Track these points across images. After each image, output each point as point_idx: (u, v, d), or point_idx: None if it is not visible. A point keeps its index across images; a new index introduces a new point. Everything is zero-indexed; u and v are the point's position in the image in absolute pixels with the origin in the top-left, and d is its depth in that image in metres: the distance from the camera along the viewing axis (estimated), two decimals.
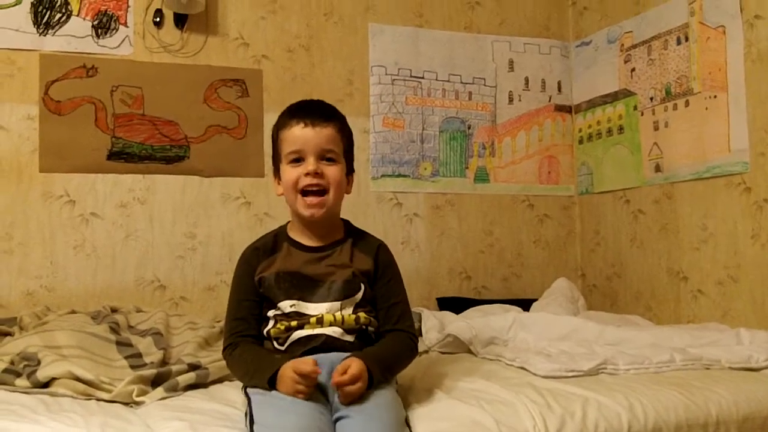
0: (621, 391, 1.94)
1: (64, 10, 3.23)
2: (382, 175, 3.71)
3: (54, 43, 3.21)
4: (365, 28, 3.73)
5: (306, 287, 1.84)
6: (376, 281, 1.91)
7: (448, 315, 3.11)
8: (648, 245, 3.54)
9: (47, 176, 3.18)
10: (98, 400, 1.93)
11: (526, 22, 4.05)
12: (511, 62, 4.00)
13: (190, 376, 2.06)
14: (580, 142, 4.03)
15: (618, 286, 3.75)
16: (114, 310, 2.79)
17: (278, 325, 1.82)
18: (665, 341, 2.49)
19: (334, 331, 1.80)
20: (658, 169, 3.46)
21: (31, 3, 3.17)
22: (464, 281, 3.84)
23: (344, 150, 1.90)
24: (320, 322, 1.81)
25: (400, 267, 2.00)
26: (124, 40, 3.31)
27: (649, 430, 1.84)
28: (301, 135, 1.83)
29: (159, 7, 3.34)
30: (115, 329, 2.45)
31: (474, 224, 3.88)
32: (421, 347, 2.71)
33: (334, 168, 1.85)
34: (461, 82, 3.89)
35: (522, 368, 2.20)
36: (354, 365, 1.66)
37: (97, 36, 3.27)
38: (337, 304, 1.83)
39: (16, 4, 3.15)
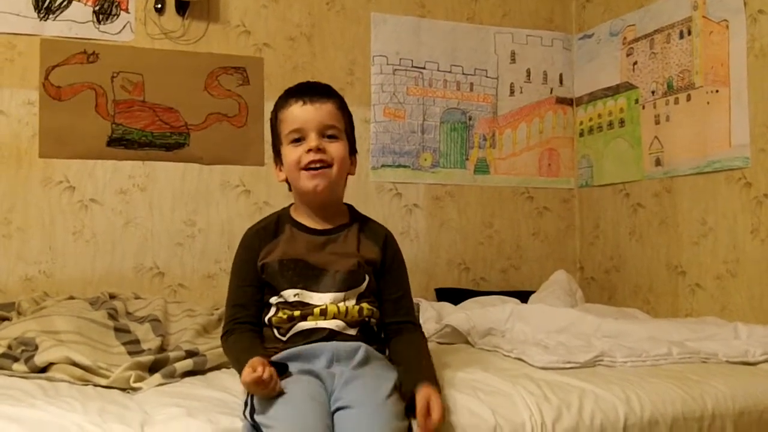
0: (618, 384, 1.94)
1: None
2: (382, 166, 3.71)
3: (55, 28, 3.20)
4: (367, 18, 3.72)
5: (310, 276, 1.81)
6: (383, 271, 1.89)
7: (446, 306, 3.11)
8: (647, 239, 3.54)
9: (47, 162, 3.18)
10: (95, 385, 1.92)
11: (529, 14, 4.04)
12: (513, 54, 3.99)
13: (187, 363, 2.06)
14: (581, 135, 4.03)
15: (616, 280, 3.75)
16: (112, 297, 2.79)
17: (280, 314, 1.79)
18: (663, 334, 2.49)
19: (337, 325, 1.77)
20: (658, 163, 3.46)
21: None
22: (463, 272, 3.84)
23: (346, 127, 1.87)
24: (324, 313, 1.78)
25: None
26: (125, 26, 3.30)
27: (645, 423, 1.84)
28: (300, 113, 1.80)
29: None
30: (113, 315, 2.45)
31: (473, 216, 3.88)
32: None
33: (336, 144, 1.82)
34: (463, 73, 3.88)
35: (519, 359, 2.20)
36: (433, 403, 1.62)
37: (99, 22, 3.26)
38: (341, 294, 1.80)
39: None
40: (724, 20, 3.11)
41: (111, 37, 3.28)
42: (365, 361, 1.74)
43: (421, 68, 3.80)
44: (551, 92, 4.06)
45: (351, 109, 1.95)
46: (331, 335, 1.77)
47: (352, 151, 1.91)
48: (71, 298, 2.74)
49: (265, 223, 1.90)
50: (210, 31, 3.44)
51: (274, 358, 1.70)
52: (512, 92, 3.98)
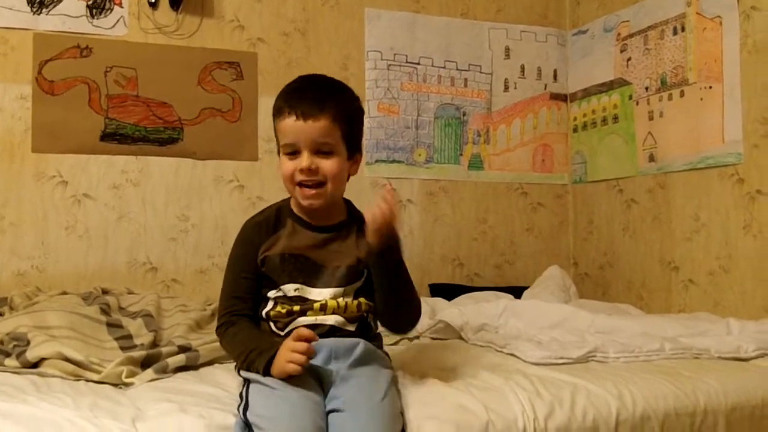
0: (610, 379, 1.95)
1: None
2: (377, 161, 3.71)
3: (48, 22, 3.19)
4: (361, 13, 3.71)
5: (310, 271, 1.80)
6: None
7: (439, 301, 3.11)
8: (640, 235, 3.55)
9: (40, 156, 3.17)
10: (87, 381, 1.93)
11: (523, 9, 4.04)
12: (507, 50, 3.99)
13: (180, 358, 2.06)
14: (575, 130, 4.03)
15: (610, 275, 3.76)
16: (105, 292, 2.79)
17: (278, 308, 1.79)
18: (656, 330, 2.50)
19: (337, 321, 1.77)
20: (652, 158, 3.47)
21: None
22: (457, 268, 3.84)
23: (344, 135, 1.80)
24: (323, 308, 1.77)
25: None
26: (118, 20, 3.29)
27: (637, 418, 1.84)
28: (293, 128, 1.76)
29: None
30: (105, 311, 2.45)
31: (467, 211, 3.88)
32: (411, 333, 2.73)
33: (330, 161, 1.77)
34: (457, 69, 3.88)
35: (512, 355, 2.21)
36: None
37: (92, 16, 3.25)
38: (341, 290, 1.79)
39: None
40: (718, 17, 3.11)
41: (104, 31, 3.27)
42: (363, 359, 1.73)
43: (416, 64, 3.80)
44: (545, 88, 4.06)
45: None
46: (331, 331, 1.77)
47: (354, 152, 1.87)
48: (64, 293, 2.73)
49: (265, 216, 1.88)
50: (204, 25, 3.43)
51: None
52: (506, 88, 3.98)
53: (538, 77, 4.05)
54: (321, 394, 1.66)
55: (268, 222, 1.86)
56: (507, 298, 2.96)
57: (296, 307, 1.78)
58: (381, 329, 1.91)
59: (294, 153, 1.78)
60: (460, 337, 2.59)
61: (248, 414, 1.58)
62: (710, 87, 3.14)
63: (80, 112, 3.21)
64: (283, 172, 1.81)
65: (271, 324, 1.80)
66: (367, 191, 3.65)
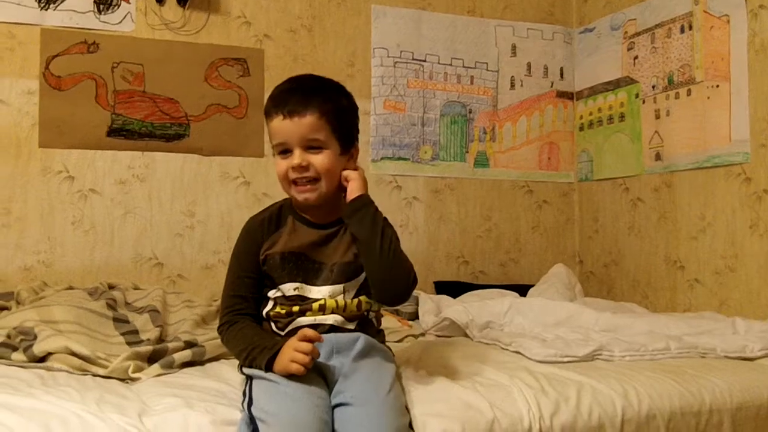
0: (616, 378, 1.95)
1: None
2: (382, 158, 3.71)
3: (55, 17, 3.19)
4: (368, 10, 3.71)
5: (310, 270, 1.80)
6: None
7: (445, 299, 3.11)
8: (646, 233, 3.54)
9: (46, 151, 3.17)
10: (94, 375, 1.93)
11: (530, 7, 4.03)
12: (513, 47, 3.99)
13: (186, 354, 2.06)
14: (581, 129, 4.03)
15: (615, 274, 3.76)
16: (111, 287, 2.79)
17: (278, 308, 1.79)
18: (661, 329, 2.49)
19: (336, 320, 1.78)
20: (658, 157, 3.46)
21: None
22: (462, 266, 3.84)
23: (334, 130, 1.80)
24: (322, 309, 1.78)
25: None
26: (125, 16, 3.29)
27: (642, 417, 1.84)
28: (281, 128, 1.77)
29: None
30: (112, 306, 2.45)
31: (473, 209, 3.88)
32: (417, 330, 2.73)
33: (320, 156, 1.77)
34: (463, 66, 3.88)
35: (517, 353, 2.21)
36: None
37: (99, 12, 3.25)
38: (340, 287, 1.79)
39: None
40: (725, 15, 3.10)
41: (111, 27, 3.27)
42: (365, 352, 1.74)
43: (422, 61, 3.80)
44: (552, 86, 4.05)
45: None
46: (331, 330, 1.77)
47: (348, 146, 1.86)
48: (70, 287, 2.74)
49: (267, 214, 1.88)
50: (210, 21, 3.43)
51: None
52: (512, 86, 3.98)
53: (545, 75, 4.04)
54: (325, 389, 1.66)
55: (271, 219, 1.87)
56: (512, 296, 2.96)
57: (295, 308, 1.78)
58: (384, 324, 1.91)
59: (286, 152, 1.79)
60: (466, 335, 2.59)
61: (253, 409, 1.58)
62: (717, 86, 3.14)
63: (87, 108, 3.21)
64: (278, 172, 1.82)
65: (272, 324, 1.81)
66: (372, 189, 3.61)
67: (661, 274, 3.45)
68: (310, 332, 1.64)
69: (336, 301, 1.78)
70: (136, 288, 2.86)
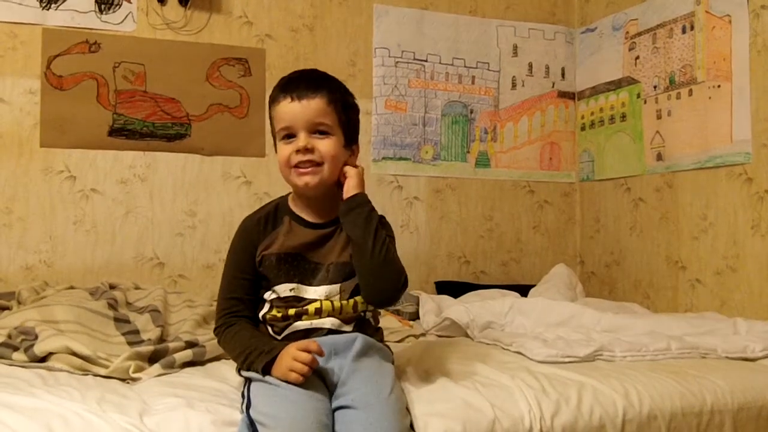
0: (617, 378, 1.94)
1: None
2: (384, 158, 3.71)
3: (57, 17, 3.19)
4: (370, 9, 3.71)
5: (306, 270, 1.78)
6: None
7: (445, 299, 3.11)
8: (648, 234, 3.54)
9: (48, 151, 3.17)
10: (95, 375, 1.93)
11: (532, 7, 4.03)
12: (515, 47, 3.99)
13: (187, 354, 2.06)
14: (583, 129, 4.03)
15: (617, 274, 3.75)
16: (112, 287, 2.79)
17: (274, 311, 1.77)
18: (662, 329, 2.49)
19: (333, 323, 1.76)
20: (659, 157, 3.46)
21: None
22: (463, 265, 3.84)
23: (340, 121, 1.79)
24: (319, 312, 1.76)
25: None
26: (127, 16, 3.30)
27: (644, 417, 1.84)
28: (288, 110, 1.75)
29: None
30: (113, 305, 2.45)
31: (474, 209, 3.88)
32: (418, 330, 2.73)
33: (326, 141, 1.76)
34: (465, 66, 3.88)
35: (518, 353, 2.21)
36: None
37: (101, 11, 3.26)
38: (336, 287, 1.77)
39: None
40: (727, 15, 3.10)
41: (113, 27, 3.27)
42: (363, 352, 1.73)
43: (423, 61, 3.80)
44: (553, 86, 4.05)
45: None
46: (328, 334, 1.75)
47: (351, 141, 1.85)
48: (71, 287, 2.74)
49: (263, 213, 1.86)
50: (212, 21, 3.43)
51: None
52: (514, 86, 3.98)
53: (546, 75, 4.04)
54: (325, 392, 1.65)
55: (267, 219, 1.85)
56: (513, 296, 2.96)
57: (291, 311, 1.76)
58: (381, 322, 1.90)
59: (290, 137, 1.78)
60: (466, 335, 2.59)
61: (251, 411, 1.58)
62: (719, 86, 3.13)
63: (88, 107, 3.22)
64: (280, 158, 1.80)
65: (269, 327, 1.79)
66: (373, 189, 3.65)
67: (663, 275, 3.44)
68: (313, 346, 1.62)
69: (332, 303, 1.77)
70: (137, 288, 2.86)
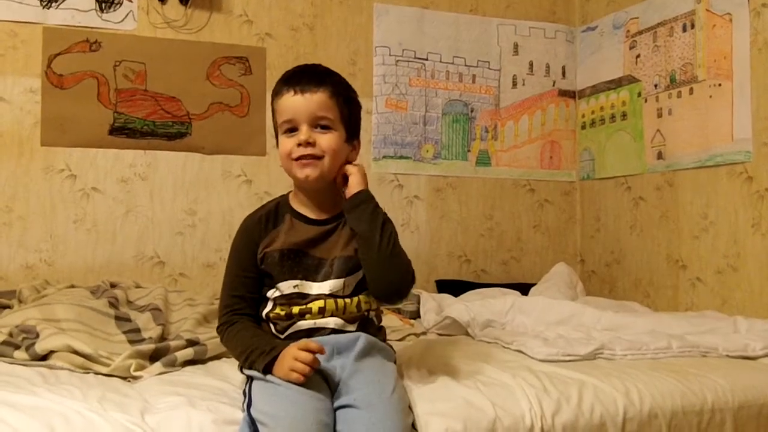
0: (617, 376, 1.94)
1: None
2: (384, 157, 3.71)
3: (57, 16, 3.19)
4: (370, 8, 3.71)
5: (309, 266, 1.78)
6: None
7: (446, 297, 3.11)
8: (648, 232, 3.54)
9: (48, 150, 3.17)
10: (96, 373, 1.93)
11: (532, 6, 4.03)
12: (516, 46, 3.99)
13: (188, 352, 2.06)
14: (583, 127, 4.03)
15: (617, 273, 3.75)
16: (113, 285, 2.79)
17: (277, 309, 1.77)
18: (663, 328, 2.49)
19: (336, 323, 1.76)
20: (660, 156, 3.46)
21: None
22: (464, 264, 3.84)
23: (342, 116, 1.80)
24: (322, 311, 1.76)
25: None
26: (127, 15, 3.30)
27: (644, 416, 1.84)
28: (291, 103, 1.76)
29: None
30: (114, 304, 2.45)
31: (474, 208, 3.88)
32: (419, 329, 2.73)
33: (328, 136, 1.77)
34: (465, 65, 3.88)
35: (519, 351, 2.21)
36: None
37: (101, 10, 3.26)
38: (340, 281, 1.77)
39: None
40: (728, 14, 3.10)
41: (113, 25, 3.27)
42: (366, 351, 1.73)
43: (424, 59, 3.80)
44: (554, 84, 4.05)
45: None
46: (331, 333, 1.75)
47: (352, 136, 1.86)
48: (72, 286, 2.74)
49: (264, 211, 1.86)
50: (212, 20, 3.43)
51: None
52: (514, 84, 3.98)
53: (547, 74, 4.04)
54: (327, 391, 1.64)
55: (268, 217, 1.85)
56: (514, 295, 2.96)
57: (294, 309, 1.76)
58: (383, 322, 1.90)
59: (292, 130, 1.78)
60: (467, 334, 2.59)
61: (252, 410, 1.57)
62: (720, 84, 3.13)
63: (89, 106, 3.22)
64: (281, 151, 1.80)
65: (272, 326, 1.79)
66: (374, 188, 3.60)
67: (663, 273, 3.44)
68: (313, 345, 1.62)
69: (335, 303, 1.77)
70: (137, 286, 2.86)
